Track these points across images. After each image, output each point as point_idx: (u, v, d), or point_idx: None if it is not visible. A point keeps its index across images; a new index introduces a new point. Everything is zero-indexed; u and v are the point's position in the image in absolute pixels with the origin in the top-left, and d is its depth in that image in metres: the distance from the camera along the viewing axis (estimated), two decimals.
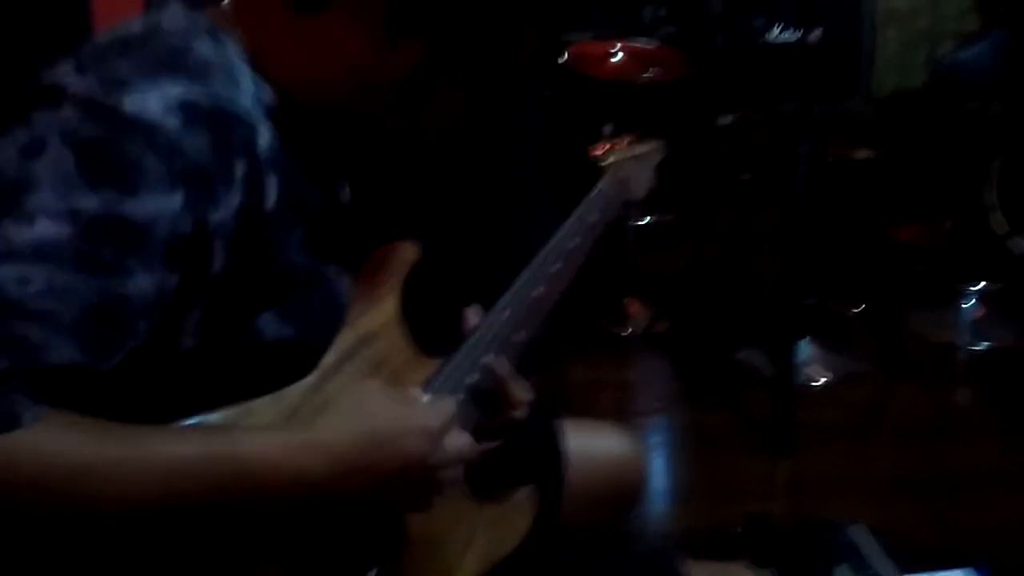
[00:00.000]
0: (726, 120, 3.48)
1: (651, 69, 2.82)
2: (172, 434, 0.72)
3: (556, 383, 2.50)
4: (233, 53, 0.79)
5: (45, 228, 0.66)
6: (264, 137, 0.77)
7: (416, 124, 0.87)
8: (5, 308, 0.64)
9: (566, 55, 2.81)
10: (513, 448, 1.07)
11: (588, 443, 1.23)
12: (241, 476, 0.70)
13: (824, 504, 1.97)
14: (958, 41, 3.54)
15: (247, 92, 0.78)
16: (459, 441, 0.82)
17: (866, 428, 2.38)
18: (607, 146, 1.39)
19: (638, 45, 2.95)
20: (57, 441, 0.65)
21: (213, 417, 0.75)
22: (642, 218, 2.99)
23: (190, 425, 0.74)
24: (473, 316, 1.01)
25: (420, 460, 0.78)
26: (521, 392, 0.97)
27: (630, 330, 2.83)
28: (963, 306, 2.80)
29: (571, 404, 2.45)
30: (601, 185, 1.27)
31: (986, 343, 2.69)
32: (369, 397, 0.79)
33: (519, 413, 0.97)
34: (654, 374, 2.70)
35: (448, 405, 0.84)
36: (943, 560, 1.68)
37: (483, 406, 0.96)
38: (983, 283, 2.82)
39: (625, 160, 1.36)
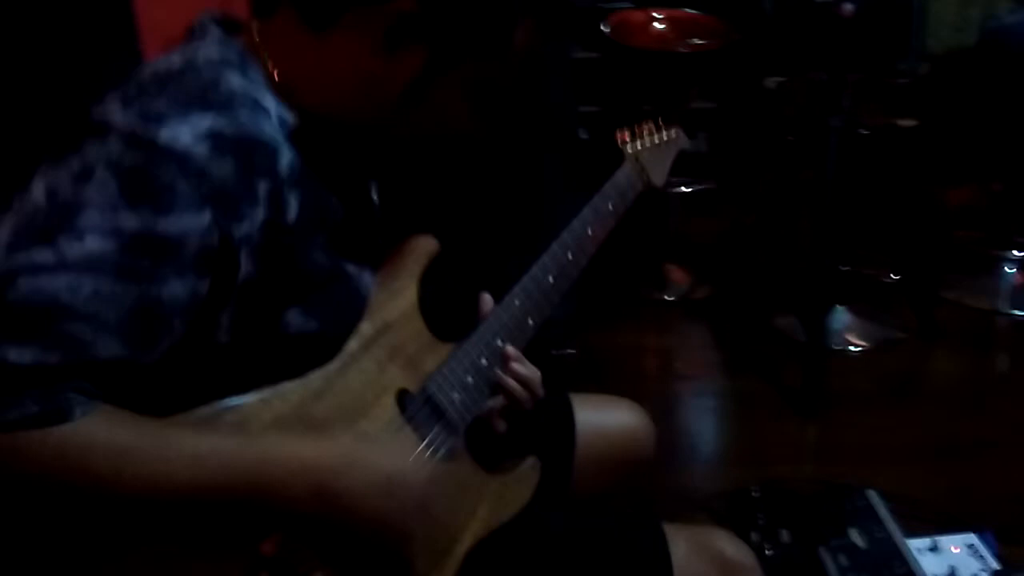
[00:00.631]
0: (772, 83, 3.47)
1: (693, 38, 2.84)
2: (204, 433, 0.82)
3: (594, 348, 2.59)
4: (259, 81, 0.90)
5: (92, 243, 0.77)
6: (285, 158, 0.88)
7: (426, 125, 0.96)
8: (59, 311, 0.76)
9: (606, 25, 2.83)
10: (520, 422, 1.17)
11: (600, 416, 1.32)
12: (260, 480, 0.81)
13: (850, 469, 2.03)
14: (1015, 2, 3.45)
15: (271, 118, 0.88)
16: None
17: (899, 396, 2.42)
18: (629, 133, 1.41)
19: (680, 13, 2.96)
20: (103, 434, 0.76)
21: (247, 399, 0.86)
22: (684, 186, 3.02)
23: (225, 410, 0.84)
24: (487, 303, 1.11)
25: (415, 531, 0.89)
26: (529, 374, 1.07)
27: (670, 296, 2.91)
28: (1002, 273, 2.80)
29: (613, 368, 2.55)
30: (618, 175, 1.32)
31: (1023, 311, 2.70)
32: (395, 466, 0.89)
33: (527, 396, 1.07)
34: (694, 339, 2.77)
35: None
36: (953, 525, 1.75)
37: (494, 388, 1.06)
38: (1019, 252, 2.81)
39: (646, 149, 1.39)
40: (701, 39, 2.82)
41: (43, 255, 0.76)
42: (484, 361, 1.05)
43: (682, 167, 1.51)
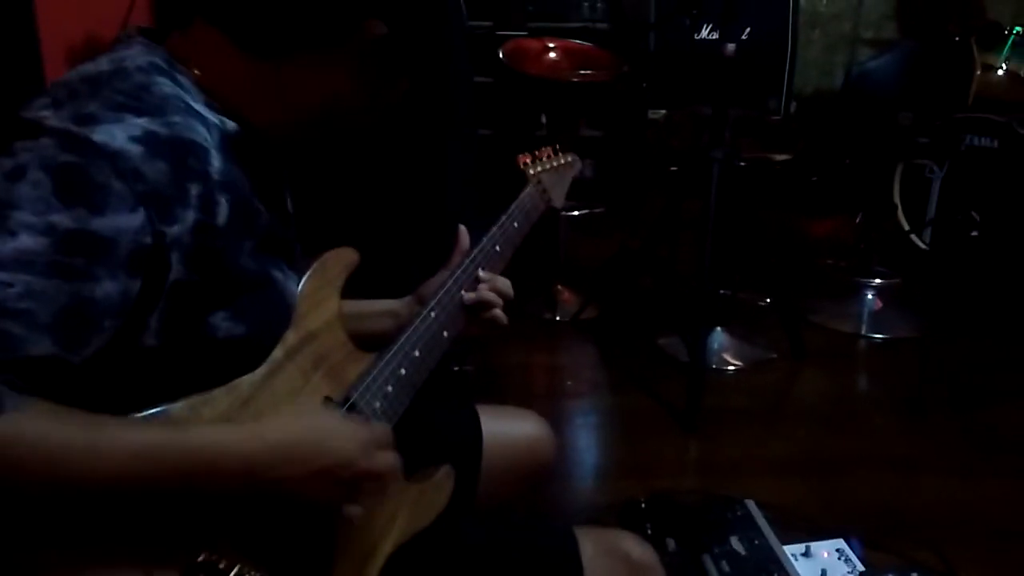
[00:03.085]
0: (657, 114, 3.65)
1: (584, 69, 2.95)
2: (135, 425, 0.82)
3: (489, 365, 2.64)
4: (189, 87, 0.91)
5: (25, 240, 0.77)
6: (216, 162, 0.89)
7: (382, 112, 1.00)
8: None
9: (502, 51, 2.91)
10: (436, 432, 1.20)
11: (503, 426, 1.36)
12: (195, 463, 0.82)
13: (728, 481, 2.15)
14: (875, 47, 3.77)
15: (202, 122, 0.89)
16: (388, 460, 0.95)
17: (771, 412, 2.58)
18: (530, 157, 1.48)
19: (573, 44, 3.08)
20: (36, 427, 0.75)
21: (176, 406, 0.86)
22: (574, 210, 3.13)
23: (153, 417, 0.84)
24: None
25: (346, 463, 0.89)
26: (502, 284, 1.20)
27: (560, 317, 3.00)
28: (864, 299, 3.04)
29: (505, 385, 2.61)
30: (523, 196, 1.38)
31: (883, 334, 2.93)
32: (311, 405, 0.91)
33: (501, 300, 1.19)
34: (582, 358, 2.86)
35: (385, 428, 0.96)
36: (822, 532, 1.88)
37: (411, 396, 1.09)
38: (879, 280, 3.06)
39: (546, 171, 1.46)
40: (592, 70, 2.94)
41: None
42: (403, 371, 1.07)
43: (571, 192, 1.58)
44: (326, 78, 0.94)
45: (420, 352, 1.10)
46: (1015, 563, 1.93)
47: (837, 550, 1.84)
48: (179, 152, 0.85)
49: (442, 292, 1.17)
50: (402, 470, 1.07)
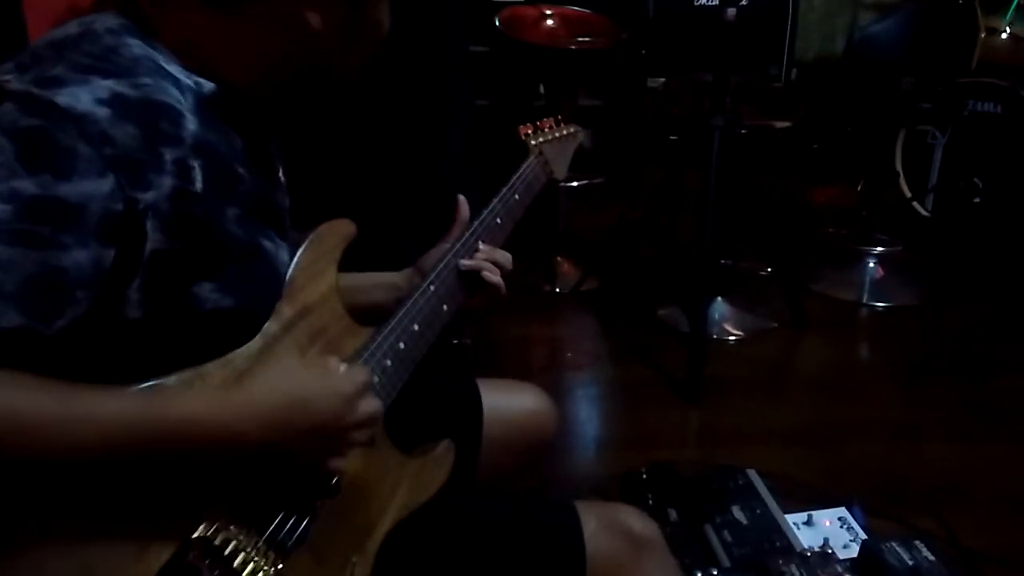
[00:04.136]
0: (657, 83, 3.61)
1: (582, 36, 2.91)
2: (112, 395, 0.80)
3: (488, 338, 2.63)
4: (162, 49, 0.88)
5: None
6: (191, 126, 0.86)
7: (364, 48, 0.97)
8: None
9: (498, 19, 2.87)
10: (436, 406, 1.19)
11: (503, 399, 1.34)
12: (173, 433, 0.80)
13: (730, 450, 2.14)
14: (877, 11, 3.71)
15: (175, 84, 0.86)
16: (371, 406, 0.93)
17: (773, 381, 2.58)
18: (531, 128, 1.45)
19: (570, 11, 3.03)
20: (6, 396, 0.74)
21: (168, 380, 0.84)
22: (573, 181, 3.10)
23: (132, 389, 0.82)
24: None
25: (334, 419, 0.88)
26: (500, 257, 1.18)
27: (560, 288, 2.98)
28: (865, 267, 3.02)
29: (505, 358, 2.60)
30: (524, 168, 1.35)
31: (884, 302, 2.91)
32: (292, 366, 0.89)
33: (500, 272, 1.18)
34: (583, 330, 2.85)
35: (363, 373, 0.94)
36: (824, 500, 1.88)
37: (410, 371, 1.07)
38: (880, 247, 3.04)
39: (548, 142, 1.44)
40: (590, 37, 2.90)
41: None
42: (402, 345, 1.06)
43: (570, 163, 1.55)
44: (293, 19, 0.90)
45: (419, 326, 1.08)
46: (1016, 529, 1.93)
47: (839, 518, 1.84)
48: (150, 115, 0.82)
49: (442, 265, 1.15)
50: (399, 446, 1.06)
